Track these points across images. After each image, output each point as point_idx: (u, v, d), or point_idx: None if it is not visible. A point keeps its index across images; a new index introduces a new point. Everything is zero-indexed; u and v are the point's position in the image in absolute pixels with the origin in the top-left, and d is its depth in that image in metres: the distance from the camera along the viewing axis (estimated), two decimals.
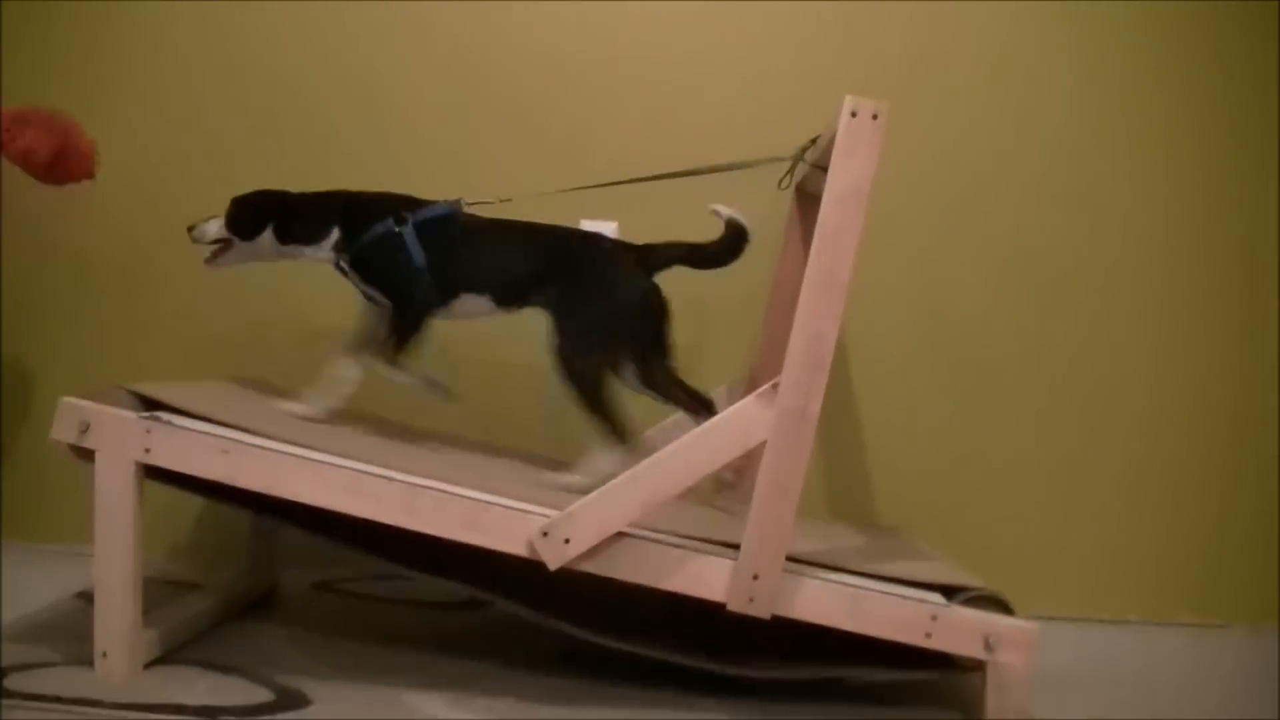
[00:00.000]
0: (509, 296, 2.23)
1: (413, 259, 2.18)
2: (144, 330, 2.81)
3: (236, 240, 2.25)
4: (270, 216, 2.25)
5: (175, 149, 2.81)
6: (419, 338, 2.21)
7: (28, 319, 2.80)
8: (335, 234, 2.23)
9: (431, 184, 2.30)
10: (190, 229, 2.26)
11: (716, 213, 2.19)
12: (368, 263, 2.21)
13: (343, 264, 2.24)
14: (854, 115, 1.84)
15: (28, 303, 2.80)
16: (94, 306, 2.81)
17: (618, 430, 2.12)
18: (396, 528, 1.94)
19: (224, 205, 2.25)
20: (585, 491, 1.96)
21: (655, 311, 2.20)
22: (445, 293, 2.21)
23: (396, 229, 2.18)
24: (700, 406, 2.22)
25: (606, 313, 2.17)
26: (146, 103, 2.81)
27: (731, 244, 2.19)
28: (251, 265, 2.32)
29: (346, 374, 2.22)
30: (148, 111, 2.81)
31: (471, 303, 2.23)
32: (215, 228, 2.25)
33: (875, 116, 1.84)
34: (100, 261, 2.81)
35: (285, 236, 2.25)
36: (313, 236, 2.25)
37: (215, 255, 2.27)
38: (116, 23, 2.81)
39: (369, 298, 2.26)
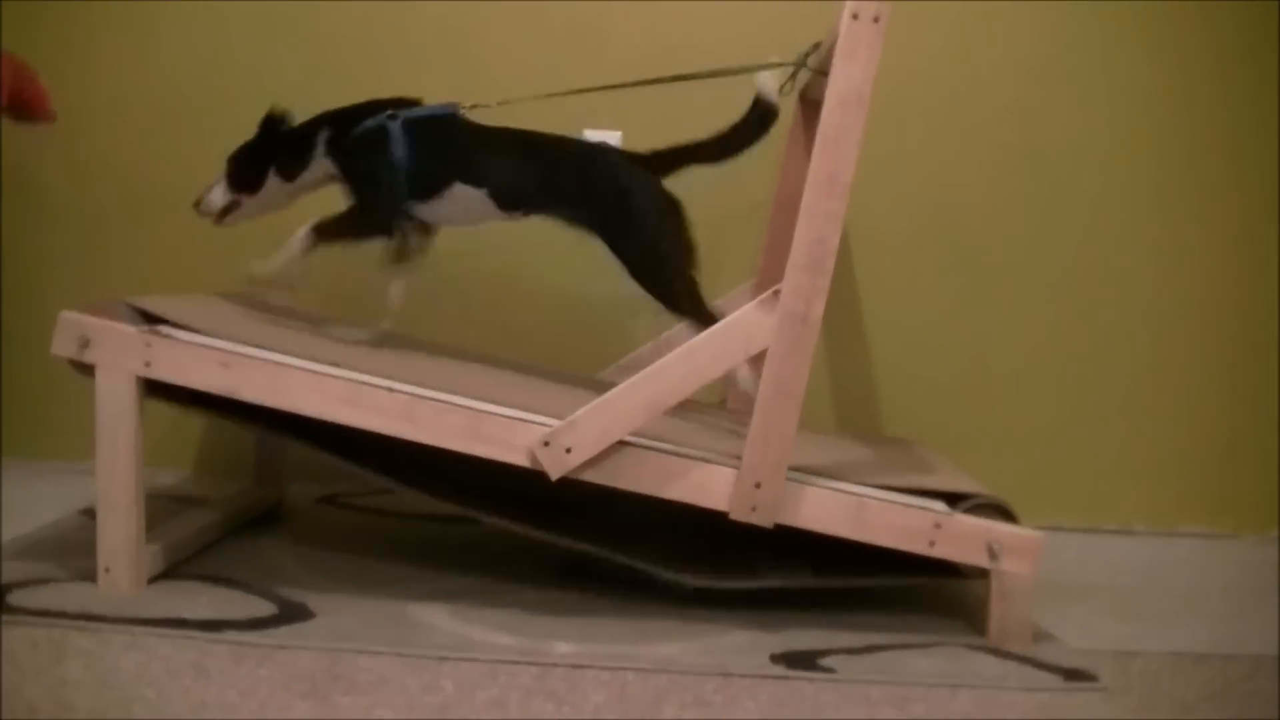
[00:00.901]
0: (510, 196, 2.16)
1: (394, 155, 2.13)
2: (145, 243, 2.78)
3: (244, 197, 2.22)
4: (268, 159, 2.21)
5: (176, 55, 2.78)
6: (370, 236, 2.20)
7: (28, 233, 2.78)
8: (325, 134, 2.18)
9: (433, 89, 2.27)
10: (196, 204, 2.22)
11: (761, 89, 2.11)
12: (351, 155, 2.17)
13: (334, 169, 2.20)
14: (855, 18, 1.81)
15: (28, 217, 2.78)
16: (95, 220, 2.79)
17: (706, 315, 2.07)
18: (402, 441, 1.93)
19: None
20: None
21: (678, 214, 2.14)
22: (434, 184, 2.15)
23: (388, 121, 2.14)
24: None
25: (652, 224, 2.11)
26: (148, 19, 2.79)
27: (758, 123, 2.11)
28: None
29: (398, 291, 2.24)
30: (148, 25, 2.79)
31: (467, 197, 2.16)
32: (220, 194, 2.22)
33: (876, 19, 1.81)
34: (101, 174, 2.78)
35: (288, 170, 2.21)
36: (309, 151, 2.19)
37: (223, 213, 2.24)
38: None
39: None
